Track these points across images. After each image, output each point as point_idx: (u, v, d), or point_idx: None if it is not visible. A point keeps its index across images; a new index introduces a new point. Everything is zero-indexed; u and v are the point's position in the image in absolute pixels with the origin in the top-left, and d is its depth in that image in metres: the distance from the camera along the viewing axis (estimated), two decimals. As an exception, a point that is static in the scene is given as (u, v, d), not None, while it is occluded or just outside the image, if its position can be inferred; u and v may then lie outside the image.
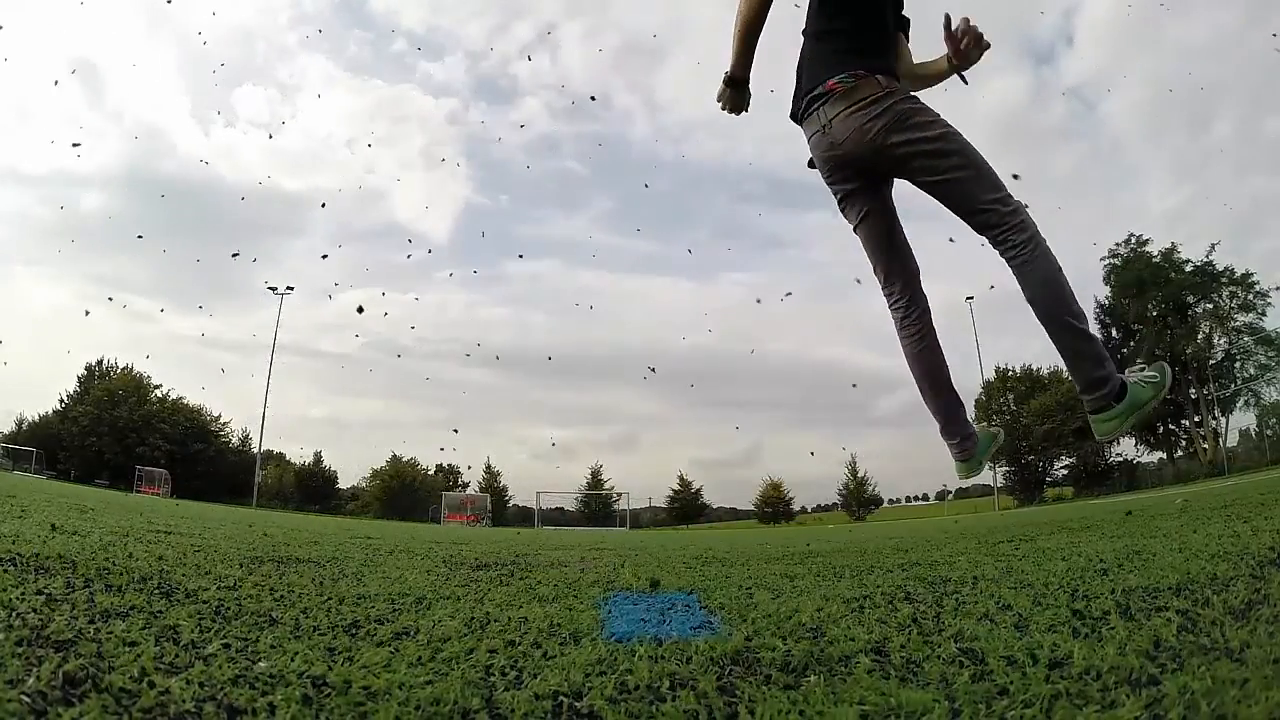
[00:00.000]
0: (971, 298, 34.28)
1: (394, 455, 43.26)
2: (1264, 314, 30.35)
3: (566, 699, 0.61)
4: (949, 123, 2.34)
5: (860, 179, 2.50)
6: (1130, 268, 32.96)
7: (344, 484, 46.74)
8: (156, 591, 1.04)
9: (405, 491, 41.80)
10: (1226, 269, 31.14)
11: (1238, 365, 31.13)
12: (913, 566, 1.57)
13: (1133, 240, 33.93)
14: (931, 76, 2.70)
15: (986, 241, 2.35)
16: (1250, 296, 30.80)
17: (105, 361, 42.12)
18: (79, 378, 41.17)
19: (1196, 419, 31.91)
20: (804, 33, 2.53)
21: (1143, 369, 2.46)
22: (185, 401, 41.09)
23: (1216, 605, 0.82)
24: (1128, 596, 0.94)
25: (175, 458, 36.66)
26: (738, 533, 14.77)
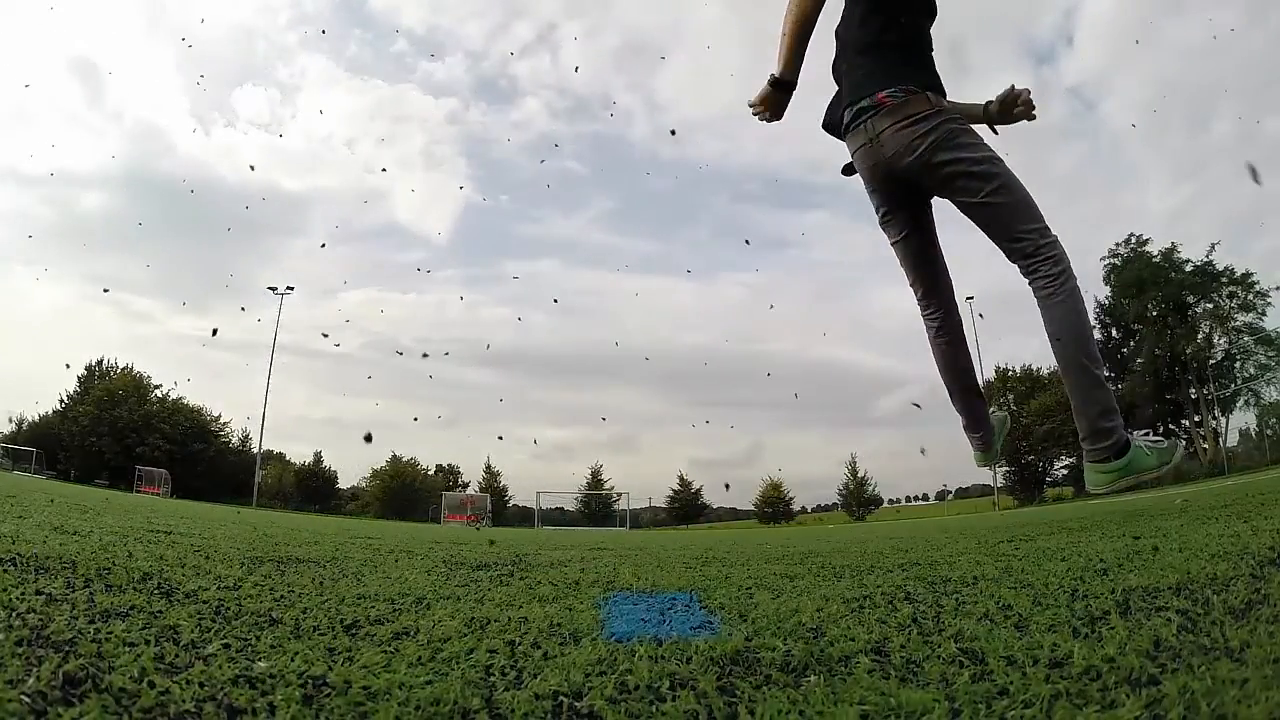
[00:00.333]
0: (971, 298, 34.18)
1: (394, 455, 43.26)
2: (1264, 314, 30.34)
3: (566, 699, 0.61)
4: (993, 149, 2.36)
5: (903, 196, 2.52)
6: (1130, 268, 32.97)
7: (344, 484, 46.74)
8: (156, 591, 1.05)
9: (405, 491, 41.81)
10: (1226, 269, 31.13)
11: (1238, 365, 31.13)
12: (913, 566, 1.57)
13: (1133, 240, 33.92)
14: (962, 113, 2.72)
15: (1018, 271, 2.36)
16: (1250, 296, 30.80)
17: (105, 361, 42.12)
18: (79, 378, 41.18)
19: (1196, 419, 31.91)
20: (843, 43, 2.49)
21: (1147, 434, 2.47)
22: (185, 401, 41.08)
23: (1216, 605, 0.82)
24: (1128, 596, 0.94)
25: (175, 458, 36.66)
26: (738, 533, 14.76)
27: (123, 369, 41.55)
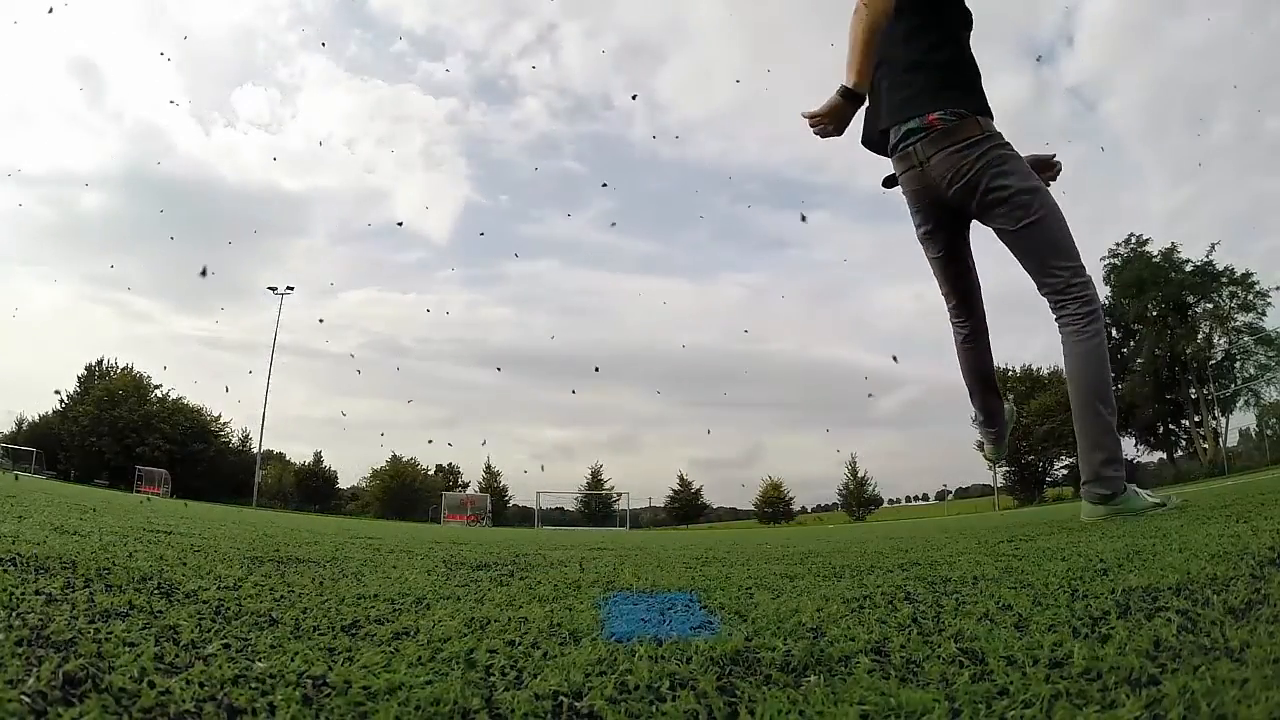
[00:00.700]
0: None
1: (394, 455, 43.30)
2: (1264, 314, 30.40)
3: (566, 699, 0.61)
4: (1036, 178, 2.35)
5: (945, 218, 2.53)
6: (1130, 268, 32.99)
7: (344, 484, 46.79)
8: (156, 591, 1.04)
9: (405, 491, 41.83)
10: (1226, 269, 31.17)
11: (1238, 365, 31.15)
12: (913, 566, 1.57)
13: (1133, 240, 33.96)
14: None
15: (1048, 305, 2.37)
16: (1250, 296, 30.81)
17: (105, 361, 42.12)
18: (79, 378, 41.23)
19: (1196, 419, 31.92)
20: (887, 59, 2.43)
21: (1151, 495, 2.49)
22: (185, 401, 41.11)
23: (1216, 605, 0.82)
24: (1128, 596, 0.94)
25: (175, 458, 36.69)
26: (738, 533, 14.76)
27: (123, 369, 41.54)
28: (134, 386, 39.63)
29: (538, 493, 36.54)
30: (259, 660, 0.69)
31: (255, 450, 37.68)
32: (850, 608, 1.03)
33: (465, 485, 44.67)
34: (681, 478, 45.38)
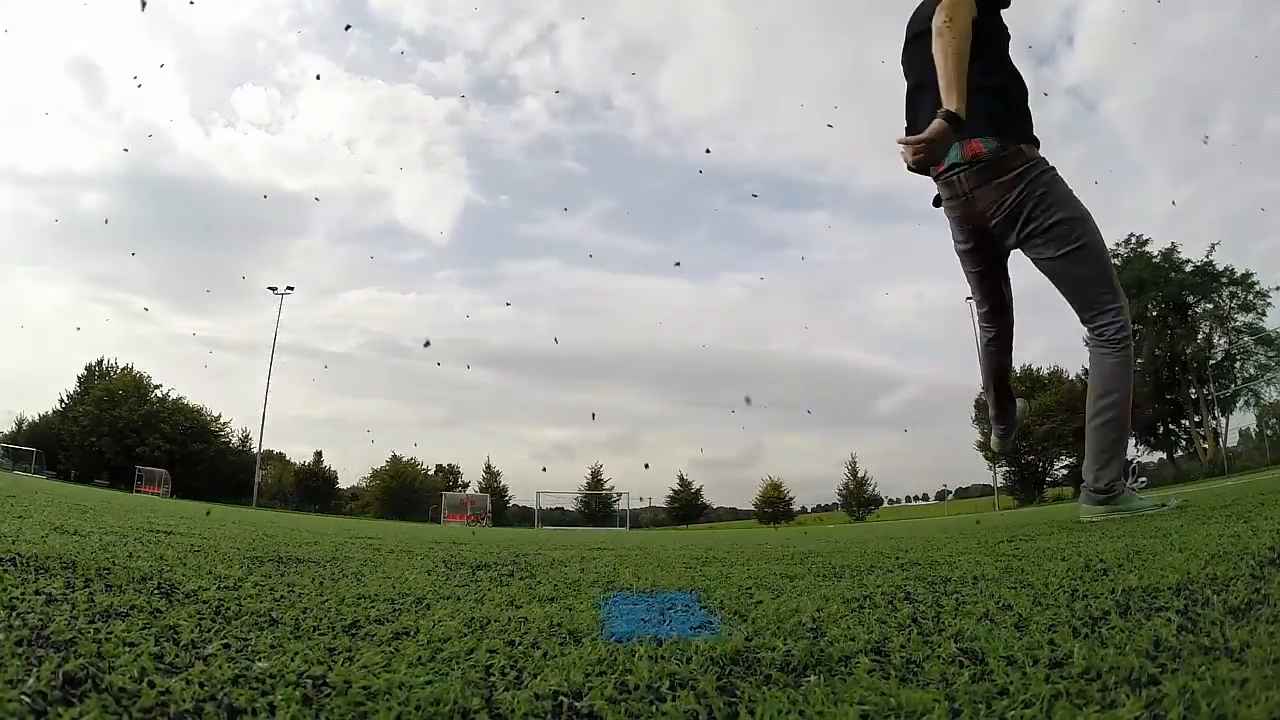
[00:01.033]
0: (972, 298, 34.18)
1: (394, 455, 43.30)
2: (1264, 314, 30.37)
3: (566, 699, 0.61)
4: (1080, 204, 2.37)
5: (985, 241, 2.60)
6: (1130, 268, 32.97)
7: (344, 484, 46.78)
8: (156, 591, 1.04)
9: (405, 491, 41.81)
10: (1226, 269, 31.16)
11: (1238, 365, 31.13)
12: (913, 566, 1.57)
13: (1133, 240, 33.93)
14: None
15: (1082, 324, 2.40)
16: (1250, 296, 30.79)
17: (105, 361, 42.12)
18: (79, 378, 41.22)
19: (1196, 419, 31.91)
20: (930, 82, 2.43)
21: (1152, 496, 2.55)
22: (185, 401, 41.11)
23: (1216, 605, 0.82)
24: (1128, 596, 0.94)
25: (175, 458, 36.67)
26: (738, 533, 14.75)
27: (123, 369, 41.52)
28: (134, 386, 39.61)
29: (538, 493, 36.55)
30: (259, 660, 0.69)
31: (255, 450, 37.68)
32: (850, 608, 1.03)
33: (465, 485, 44.67)
34: (681, 478, 45.38)
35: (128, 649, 0.69)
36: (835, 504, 44.21)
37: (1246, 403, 30.62)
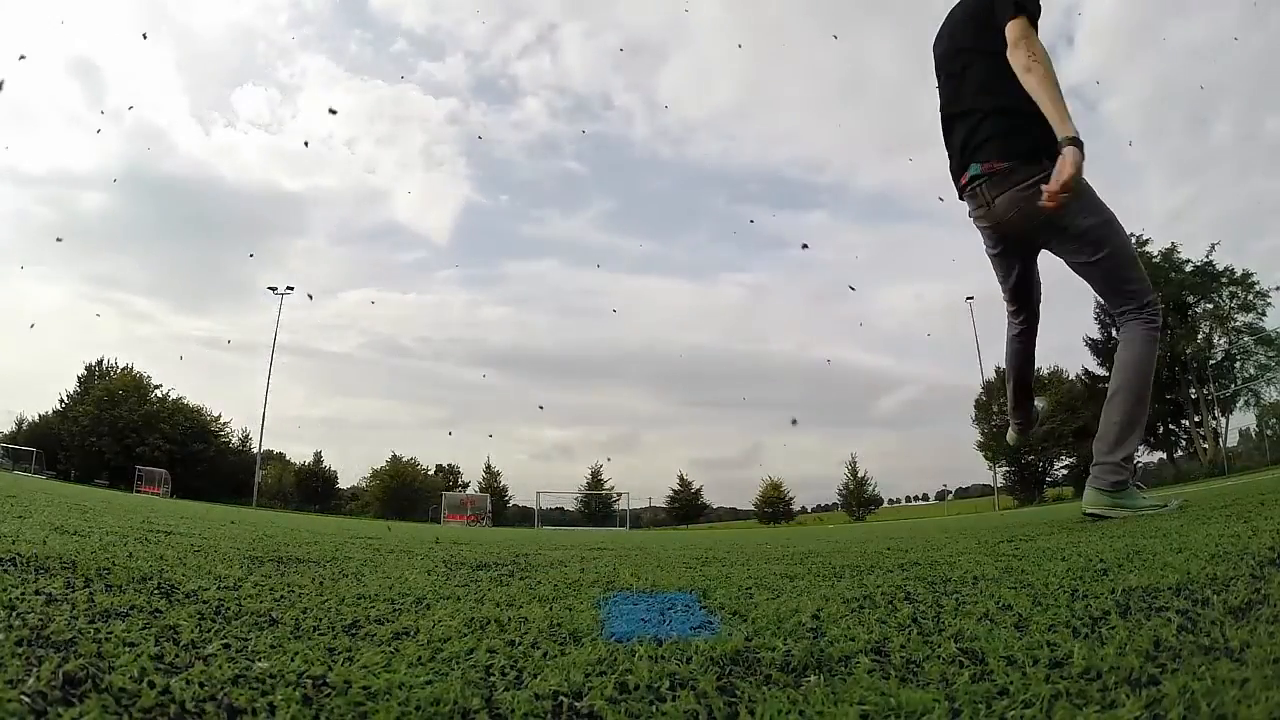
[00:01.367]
0: (972, 298, 34.31)
1: (394, 455, 43.31)
2: (1264, 314, 30.34)
3: (566, 699, 0.61)
4: (1105, 206, 2.44)
5: (1015, 246, 2.69)
6: (1130, 268, 32.82)
7: (344, 484, 46.77)
8: (156, 591, 1.04)
9: (405, 491, 41.79)
10: (1226, 269, 31.12)
11: (1238, 365, 31.11)
12: (913, 566, 1.57)
13: (1132, 240, 33.87)
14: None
15: (1115, 318, 2.47)
16: (1250, 296, 30.77)
17: (105, 361, 42.11)
18: (79, 378, 41.21)
19: (1196, 419, 31.90)
20: (963, 103, 2.58)
21: (1153, 496, 2.62)
22: (185, 401, 41.10)
23: (1216, 605, 0.82)
24: (1128, 596, 0.94)
25: (175, 458, 36.65)
26: (738, 533, 14.75)
27: (123, 369, 41.51)
28: (134, 386, 39.60)
29: (538, 493, 36.57)
30: (259, 660, 0.69)
31: (255, 450, 37.67)
32: (850, 608, 1.03)
33: (465, 485, 44.67)
34: (681, 478, 45.38)
35: (128, 649, 0.69)
36: (835, 504, 44.18)
37: (1246, 403, 30.61)
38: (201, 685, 0.59)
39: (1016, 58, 2.27)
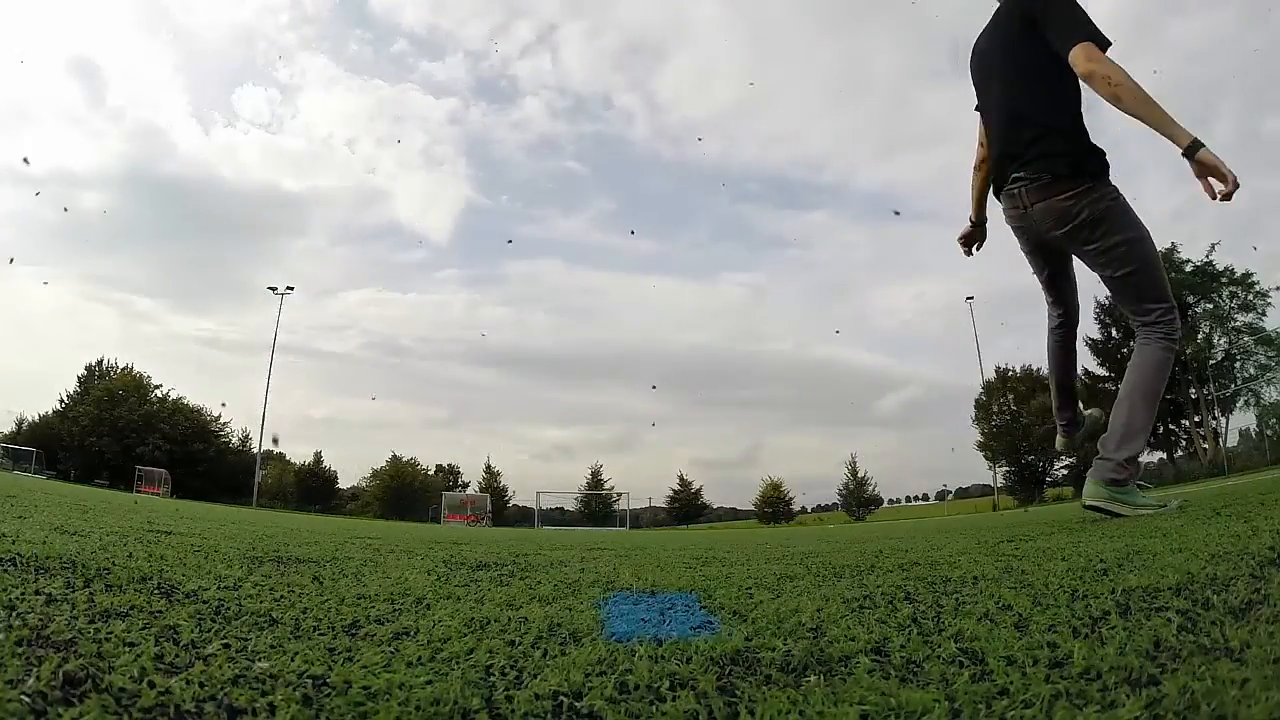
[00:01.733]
0: (971, 298, 34.33)
1: (394, 455, 43.32)
2: (1264, 314, 30.32)
3: (566, 699, 0.61)
4: (1138, 222, 2.49)
5: (1046, 249, 2.75)
6: (1130, 268, 32.81)
7: (344, 484, 46.77)
8: (156, 591, 1.04)
9: (405, 491, 41.78)
10: (1226, 269, 31.11)
11: (1238, 365, 31.10)
12: (913, 566, 1.57)
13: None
14: (981, 192, 2.95)
15: (1133, 326, 2.53)
16: (1250, 296, 30.75)
17: (105, 361, 42.10)
18: (79, 378, 41.20)
19: (1196, 419, 31.89)
20: (1006, 107, 2.63)
21: (1153, 495, 2.66)
22: (185, 401, 41.09)
23: (1216, 605, 0.82)
24: (1128, 596, 0.94)
25: (175, 458, 36.62)
26: (738, 533, 14.75)
27: (123, 369, 41.51)
28: (134, 386, 39.60)
29: (538, 493, 36.57)
30: (259, 660, 0.69)
31: (255, 450, 37.66)
32: (850, 608, 1.03)
33: (465, 485, 44.67)
34: (681, 478, 45.38)
35: (128, 649, 0.69)
36: (835, 504, 44.17)
37: (1246, 403, 30.60)
38: (201, 685, 0.59)
39: (1097, 88, 2.28)
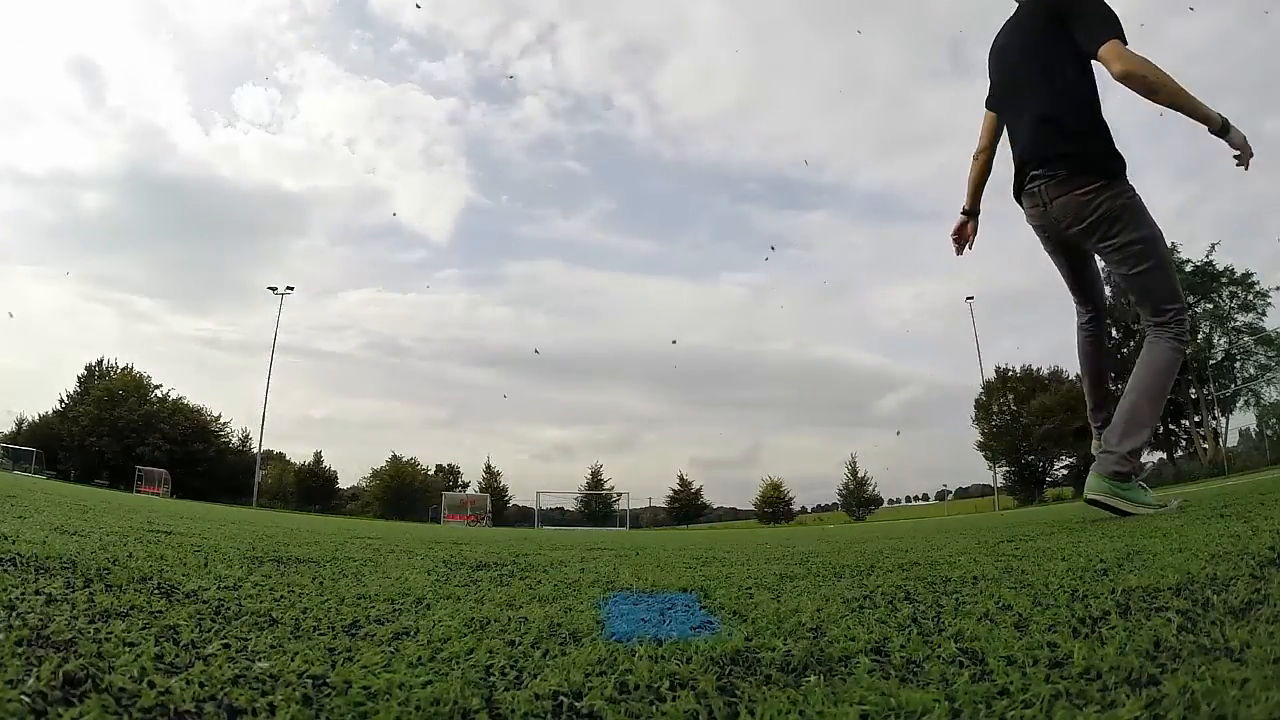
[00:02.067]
0: (972, 298, 34.32)
1: (394, 455, 43.33)
2: (1264, 314, 30.30)
3: (566, 699, 0.61)
4: (1153, 222, 2.53)
5: (1067, 246, 2.79)
6: (1130, 268, 32.79)
7: (344, 484, 46.76)
8: (156, 591, 1.04)
9: (405, 491, 41.77)
10: (1226, 269, 31.11)
11: (1238, 365, 31.09)
12: (913, 566, 1.57)
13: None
14: (976, 183, 2.98)
15: (1144, 325, 2.57)
16: (1250, 296, 30.75)
17: (105, 361, 42.10)
18: (79, 378, 41.20)
19: (1196, 419, 31.89)
20: (1023, 104, 2.67)
21: (1154, 495, 2.69)
22: (185, 401, 41.09)
23: (1216, 605, 0.82)
24: (1128, 596, 0.94)
25: (175, 458, 36.61)
26: (738, 533, 14.75)
27: (123, 369, 41.50)
28: (134, 386, 39.60)
29: (538, 493, 36.56)
30: (259, 660, 0.69)
31: (255, 450, 37.64)
32: (850, 608, 1.03)
33: (465, 485, 44.67)
34: (681, 478, 45.38)
35: (128, 649, 0.69)
36: (835, 504, 44.17)
37: (1246, 403, 30.59)
38: (201, 685, 0.59)
39: (1133, 88, 2.36)
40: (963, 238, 3.04)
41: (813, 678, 0.67)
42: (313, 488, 43.90)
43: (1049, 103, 2.57)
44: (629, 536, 8.08)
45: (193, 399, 41.49)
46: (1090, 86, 2.52)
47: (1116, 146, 2.54)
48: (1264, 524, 1.55)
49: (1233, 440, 30.98)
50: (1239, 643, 0.66)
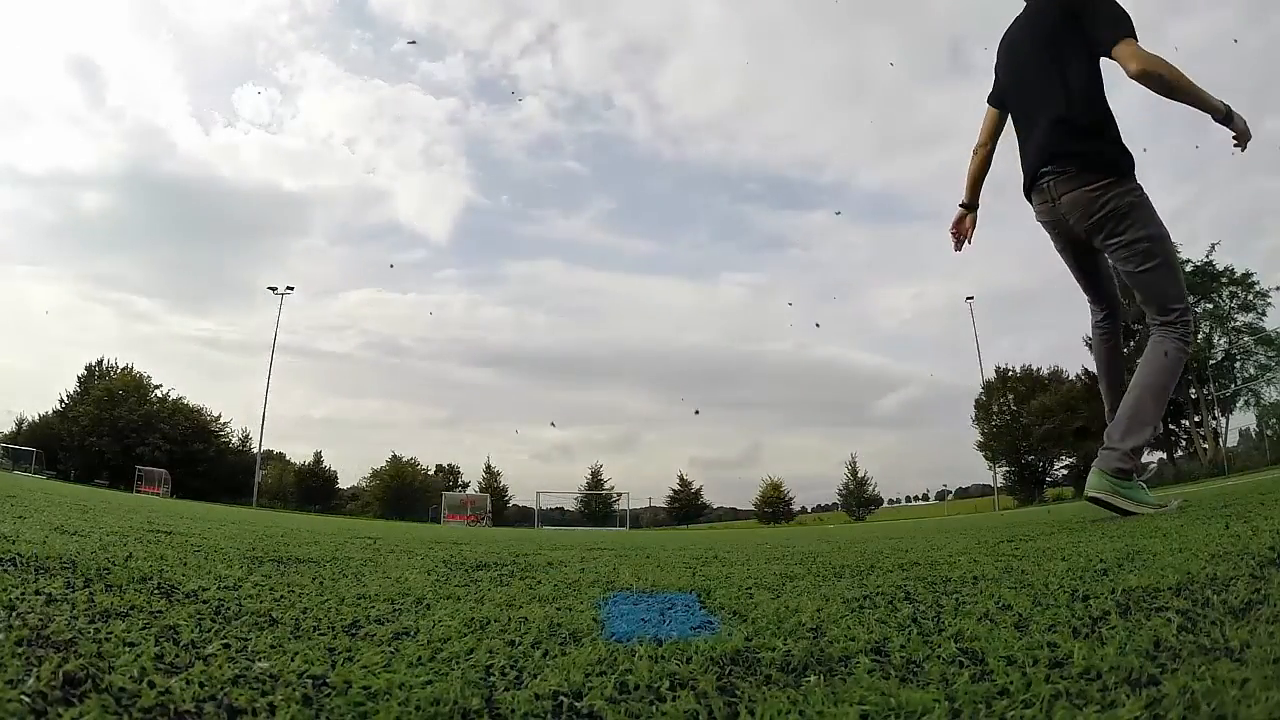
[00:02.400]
0: (972, 298, 34.35)
1: (394, 455, 43.33)
2: (1264, 314, 30.30)
3: (566, 699, 0.61)
4: (1160, 221, 2.55)
5: (1077, 243, 2.79)
6: (1130, 268, 32.77)
7: (344, 484, 46.75)
8: (156, 591, 1.04)
9: (405, 491, 41.77)
10: (1226, 269, 31.10)
11: (1238, 365, 31.08)
12: (913, 566, 1.57)
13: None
14: (975, 177, 2.99)
15: (1150, 324, 2.58)
16: (1250, 296, 30.74)
17: (105, 361, 42.09)
18: (79, 378, 41.19)
19: (1196, 419, 31.88)
20: (1034, 104, 2.67)
21: (1154, 495, 2.70)
22: (185, 401, 41.08)
23: (1216, 605, 0.82)
24: (1128, 596, 0.94)
25: (175, 458, 36.60)
26: (738, 533, 14.75)
27: (123, 369, 41.49)
28: (134, 386, 39.60)
29: (538, 493, 36.57)
30: (259, 660, 0.69)
31: (255, 450, 37.64)
32: (850, 608, 1.03)
33: (465, 485, 44.67)
34: (681, 478, 45.38)
35: (128, 649, 0.69)
36: (835, 504, 44.17)
37: (1246, 403, 30.58)
38: (201, 685, 0.59)
39: (1150, 87, 2.39)
40: (961, 232, 3.03)
41: (813, 678, 0.67)
42: (313, 488, 43.90)
43: (1062, 101, 2.58)
44: (629, 536, 8.08)
45: (193, 399, 41.52)
46: (1100, 84, 2.53)
47: (1125, 144, 2.55)
48: (1264, 524, 1.55)
49: (1233, 440, 30.99)
50: (1239, 643, 0.66)
